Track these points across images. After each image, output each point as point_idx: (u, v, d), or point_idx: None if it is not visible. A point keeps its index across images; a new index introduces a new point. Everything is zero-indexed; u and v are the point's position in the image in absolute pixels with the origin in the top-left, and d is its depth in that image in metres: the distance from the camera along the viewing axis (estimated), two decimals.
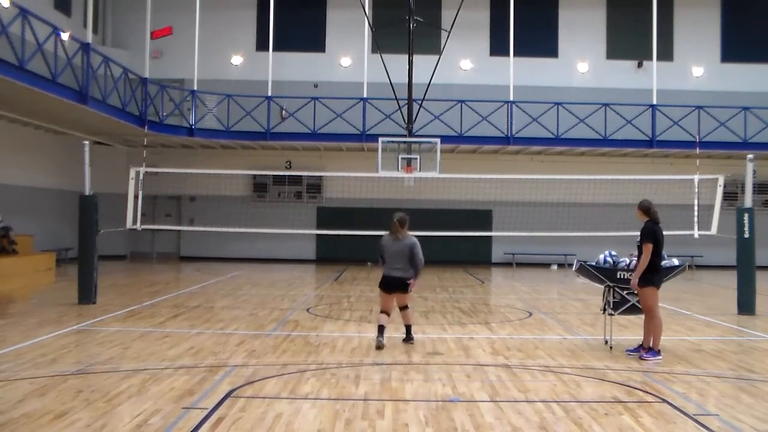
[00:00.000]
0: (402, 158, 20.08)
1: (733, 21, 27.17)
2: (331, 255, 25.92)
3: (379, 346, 9.60)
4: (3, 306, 13.63)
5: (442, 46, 23.10)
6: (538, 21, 26.55)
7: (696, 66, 27.03)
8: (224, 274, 20.94)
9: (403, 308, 10.10)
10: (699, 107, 24.28)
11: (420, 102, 22.30)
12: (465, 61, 26.70)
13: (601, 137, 24.25)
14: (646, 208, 9.37)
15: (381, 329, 9.84)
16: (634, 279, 9.18)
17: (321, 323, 11.95)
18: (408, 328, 10.20)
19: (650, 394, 7.41)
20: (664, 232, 9.35)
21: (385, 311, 10.01)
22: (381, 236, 10.16)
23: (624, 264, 9.89)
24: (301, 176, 26.15)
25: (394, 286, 9.93)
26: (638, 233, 9.29)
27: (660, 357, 9.10)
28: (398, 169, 19.93)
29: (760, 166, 21.73)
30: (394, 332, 10.85)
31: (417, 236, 10.08)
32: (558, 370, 8.51)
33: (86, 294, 13.57)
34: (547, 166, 25.97)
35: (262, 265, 24.82)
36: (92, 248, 13.69)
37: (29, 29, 16.12)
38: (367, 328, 11.26)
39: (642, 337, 9.46)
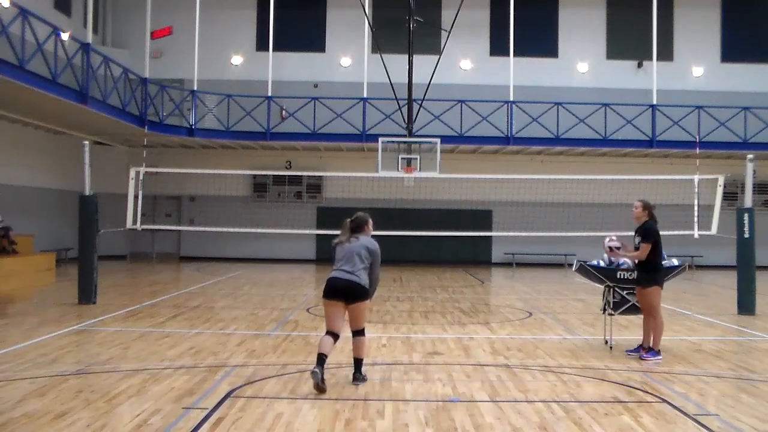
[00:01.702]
0: (402, 158, 20.07)
1: (733, 21, 27.17)
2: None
3: (317, 387, 7.07)
4: (3, 306, 13.62)
5: (442, 46, 23.10)
6: (538, 21, 26.55)
7: (696, 66, 27.03)
8: (224, 274, 20.93)
9: (357, 333, 7.57)
10: (699, 107, 24.28)
11: (420, 102, 22.30)
12: (465, 61, 26.70)
13: (601, 137, 24.25)
14: (651, 207, 9.37)
15: (321, 359, 7.20)
16: (629, 255, 9.31)
17: (321, 323, 11.92)
18: (357, 362, 7.65)
19: (650, 394, 7.40)
20: (663, 232, 9.35)
21: (331, 331, 7.44)
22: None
23: (624, 264, 9.86)
24: (301, 176, 26.17)
25: (337, 292, 7.47)
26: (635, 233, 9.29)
27: (660, 357, 9.09)
28: (398, 169, 19.92)
29: (760, 166, 21.71)
30: (394, 332, 10.85)
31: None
32: (558, 370, 8.51)
33: (86, 294, 13.58)
34: (547, 166, 25.97)
35: (262, 265, 24.81)
36: (92, 248, 13.70)
37: (29, 29, 16.12)
38: (367, 328, 11.21)
39: (642, 337, 9.47)
